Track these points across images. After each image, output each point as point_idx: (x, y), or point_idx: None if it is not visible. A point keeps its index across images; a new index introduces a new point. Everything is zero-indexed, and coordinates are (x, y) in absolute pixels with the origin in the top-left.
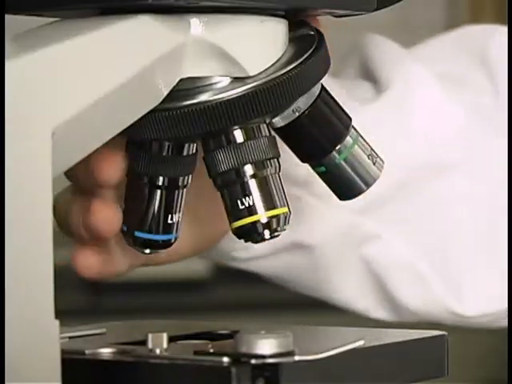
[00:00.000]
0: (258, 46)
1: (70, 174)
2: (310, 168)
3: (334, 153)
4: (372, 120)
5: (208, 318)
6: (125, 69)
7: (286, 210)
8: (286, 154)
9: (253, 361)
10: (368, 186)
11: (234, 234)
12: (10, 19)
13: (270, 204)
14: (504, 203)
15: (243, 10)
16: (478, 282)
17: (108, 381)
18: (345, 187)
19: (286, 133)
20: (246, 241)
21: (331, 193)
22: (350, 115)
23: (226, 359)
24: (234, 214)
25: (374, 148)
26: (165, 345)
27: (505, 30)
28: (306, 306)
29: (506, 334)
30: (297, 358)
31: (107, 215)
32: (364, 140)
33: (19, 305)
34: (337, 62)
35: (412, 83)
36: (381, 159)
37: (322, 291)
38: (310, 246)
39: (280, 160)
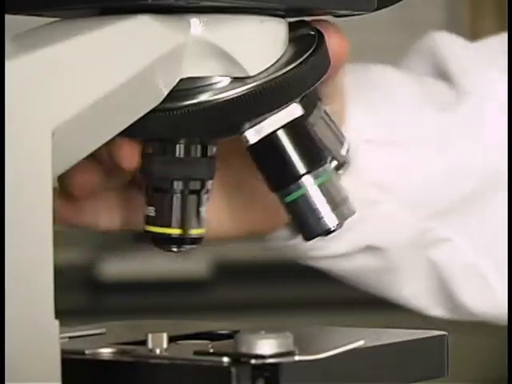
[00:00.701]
0: (257, 46)
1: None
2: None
3: (309, 177)
4: (448, 129)
5: (208, 318)
6: (125, 69)
7: (201, 231)
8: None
9: (253, 361)
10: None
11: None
12: (9, 19)
13: (187, 223)
14: None
15: (243, 9)
16: None
17: (108, 381)
18: (312, 220)
19: (258, 151)
20: (154, 245)
21: (407, 198)
22: (430, 120)
23: (225, 359)
24: (151, 217)
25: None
26: (165, 345)
27: None
28: (306, 306)
29: (506, 334)
30: (297, 358)
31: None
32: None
33: (19, 305)
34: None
35: (489, 90)
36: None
37: (386, 291)
38: (383, 249)
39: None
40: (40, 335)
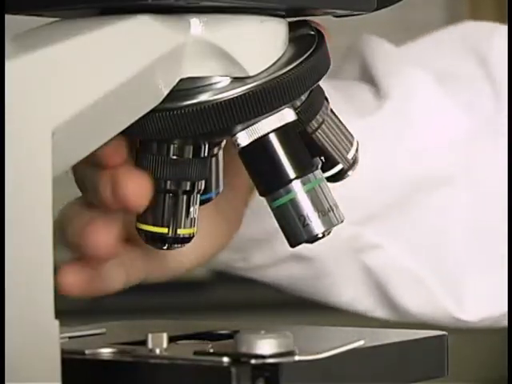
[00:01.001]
0: (258, 46)
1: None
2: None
3: (298, 182)
4: (371, 133)
5: (208, 318)
6: (125, 69)
7: (191, 230)
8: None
9: (253, 361)
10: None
11: (138, 231)
12: (9, 19)
13: (176, 222)
14: (503, 211)
15: (243, 9)
16: (478, 289)
17: (108, 381)
18: (299, 225)
19: (249, 154)
20: (145, 242)
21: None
22: (349, 127)
23: (225, 359)
24: (142, 215)
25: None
26: (165, 345)
27: (504, 30)
28: (305, 306)
29: (506, 334)
30: (297, 358)
31: (139, 186)
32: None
33: (19, 305)
34: (337, 62)
35: (412, 91)
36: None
37: (324, 296)
38: (308, 258)
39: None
40: (40, 335)
